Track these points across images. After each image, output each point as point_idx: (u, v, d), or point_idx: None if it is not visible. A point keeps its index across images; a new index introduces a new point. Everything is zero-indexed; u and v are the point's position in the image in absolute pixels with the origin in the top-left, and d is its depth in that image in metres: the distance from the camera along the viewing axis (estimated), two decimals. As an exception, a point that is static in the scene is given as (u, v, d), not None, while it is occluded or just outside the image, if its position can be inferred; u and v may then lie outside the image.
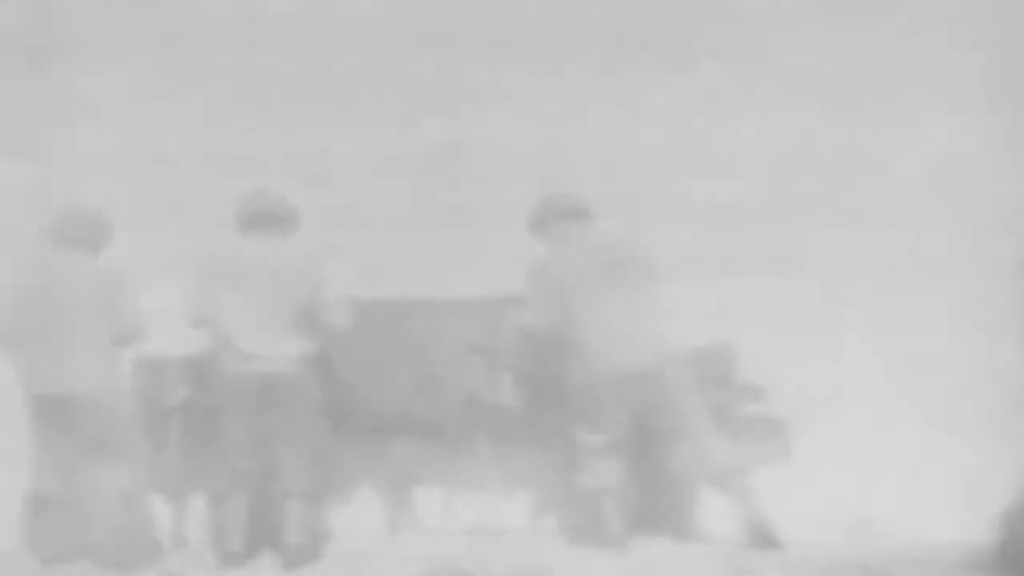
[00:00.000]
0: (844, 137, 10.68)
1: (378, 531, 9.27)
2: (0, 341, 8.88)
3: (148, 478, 8.92)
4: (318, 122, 10.92)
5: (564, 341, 8.86)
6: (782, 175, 10.67)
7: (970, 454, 9.43)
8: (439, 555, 8.68)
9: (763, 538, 8.61)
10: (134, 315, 8.88)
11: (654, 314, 8.80)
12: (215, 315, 8.76)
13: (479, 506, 9.32)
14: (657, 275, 8.86)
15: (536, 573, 8.46)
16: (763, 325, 10.08)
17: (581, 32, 10.92)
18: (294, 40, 11.01)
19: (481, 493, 9.30)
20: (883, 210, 10.31)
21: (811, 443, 9.29)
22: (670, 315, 8.77)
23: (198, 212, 10.54)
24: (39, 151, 10.91)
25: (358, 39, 11.00)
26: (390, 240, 10.80)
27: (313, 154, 10.84)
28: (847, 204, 9.94)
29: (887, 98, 10.72)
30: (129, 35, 11.02)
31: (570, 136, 10.86)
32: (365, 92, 10.94)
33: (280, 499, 8.71)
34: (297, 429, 8.75)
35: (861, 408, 10.02)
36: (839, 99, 10.76)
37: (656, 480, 8.76)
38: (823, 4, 10.87)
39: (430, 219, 10.87)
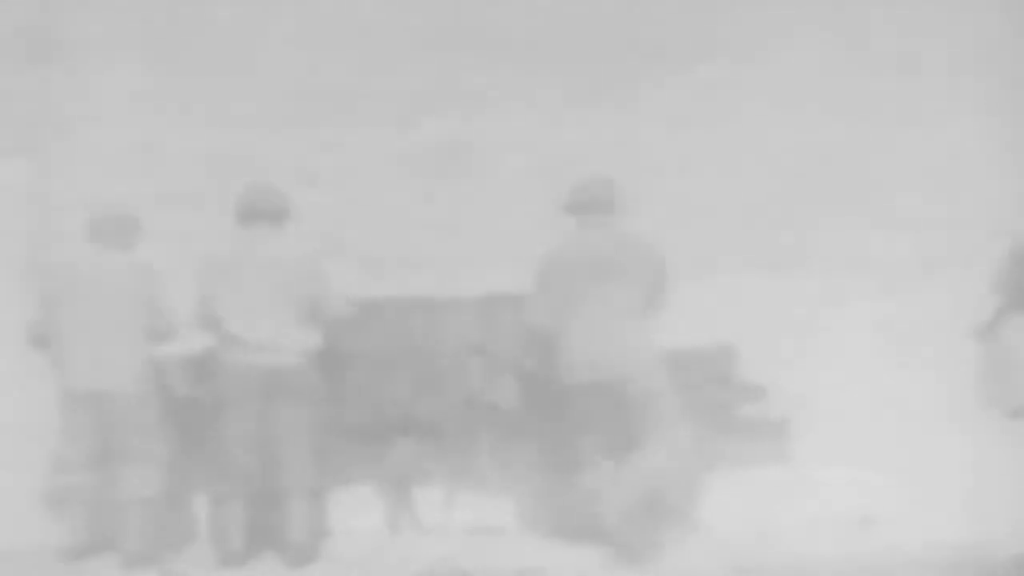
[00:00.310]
0: (844, 136, 10.68)
1: (378, 530, 9.28)
2: (34, 342, 8.99)
3: (169, 475, 8.97)
4: (320, 121, 10.92)
5: (555, 339, 8.87)
6: (782, 174, 10.68)
7: (971, 454, 9.44)
8: (439, 554, 8.69)
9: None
10: (169, 311, 8.98)
11: (640, 317, 8.76)
12: (219, 313, 8.79)
13: (478, 505, 9.33)
14: (666, 281, 8.82)
15: (535, 572, 8.47)
16: (763, 325, 10.07)
17: (583, 32, 10.93)
18: (296, 38, 11.02)
19: (481, 492, 9.32)
20: (884, 209, 10.30)
21: (811, 443, 9.30)
22: (666, 321, 8.75)
23: (199, 211, 10.54)
24: (39, 150, 10.93)
25: (360, 38, 11.01)
26: (390, 239, 10.81)
27: (315, 153, 10.85)
28: (848, 203, 9.94)
29: (887, 98, 10.72)
30: (130, 33, 11.02)
31: (571, 135, 10.86)
32: (367, 91, 10.94)
33: (282, 496, 8.73)
34: (301, 424, 8.77)
35: (861, 408, 10.02)
36: (839, 99, 10.76)
37: (647, 481, 8.76)
38: (823, 3, 10.89)
39: (431, 218, 10.88)
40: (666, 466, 8.62)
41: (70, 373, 8.85)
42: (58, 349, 8.90)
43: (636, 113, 10.85)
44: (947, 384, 9.08)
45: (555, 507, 9.09)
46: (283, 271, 8.83)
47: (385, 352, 9.36)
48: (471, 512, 9.31)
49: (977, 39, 10.55)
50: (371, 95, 10.95)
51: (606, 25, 11.00)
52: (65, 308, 8.90)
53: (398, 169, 10.91)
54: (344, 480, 9.27)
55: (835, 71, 10.82)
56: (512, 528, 9.23)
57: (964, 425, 9.08)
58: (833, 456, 9.49)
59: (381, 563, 8.73)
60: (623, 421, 8.72)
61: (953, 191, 10.26)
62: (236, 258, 8.85)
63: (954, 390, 9.10)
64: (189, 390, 9.19)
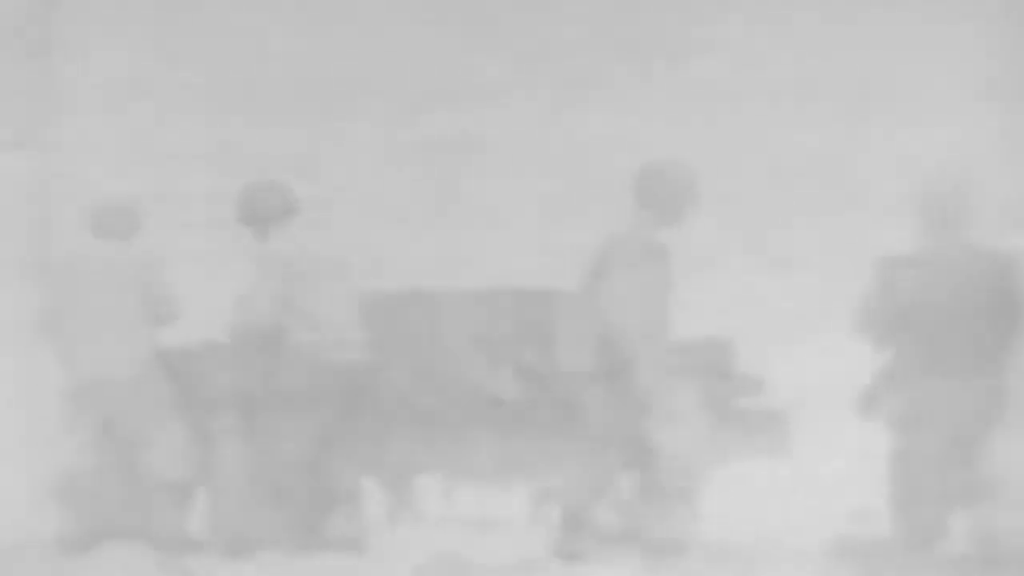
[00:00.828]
0: (844, 131, 10.71)
1: (378, 522, 9.29)
2: (44, 328, 9.03)
3: (186, 466, 8.98)
4: (321, 114, 10.93)
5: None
6: (781, 169, 10.71)
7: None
8: (439, 545, 8.71)
9: None
10: (172, 296, 9.01)
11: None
12: (298, 311, 8.83)
13: (479, 496, 9.35)
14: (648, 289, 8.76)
15: (535, 563, 8.48)
16: (762, 318, 10.10)
17: (583, 27, 10.95)
18: (299, 31, 11.03)
19: (481, 483, 9.33)
20: (884, 203, 10.31)
21: (809, 435, 9.31)
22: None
23: (199, 202, 10.57)
24: (38, 142, 10.93)
25: (361, 31, 11.01)
26: (393, 232, 10.83)
27: (316, 146, 10.86)
28: (847, 197, 9.97)
29: (887, 94, 10.75)
30: (129, 24, 11.03)
31: (572, 130, 10.88)
32: (368, 84, 10.96)
33: (354, 487, 8.76)
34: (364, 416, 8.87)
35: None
36: (838, 95, 10.79)
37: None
38: None
39: (432, 211, 10.90)
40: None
41: (75, 362, 8.90)
42: (63, 339, 8.95)
43: (637, 110, 10.87)
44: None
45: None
46: (341, 267, 8.91)
47: (387, 343, 9.37)
48: (471, 504, 9.32)
49: (977, 33, 10.58)
50: (372, 89, 10.95)
51: (606, 21, 11.02)
52: (69, 299, 8.95)
53: (398, 163, 10.93)
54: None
55: (834, 68, 10.84)
56: (513, 520, 9.25)
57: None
58: (830, 450, 9.51)
59: (381, 555, 8.74)
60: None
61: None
62: (296, 256, 8.89)
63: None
64: (227, 383, 9.17)
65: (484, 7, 10.97)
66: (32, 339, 9.19)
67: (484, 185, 10.87)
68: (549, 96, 10.88)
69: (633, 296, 8.68)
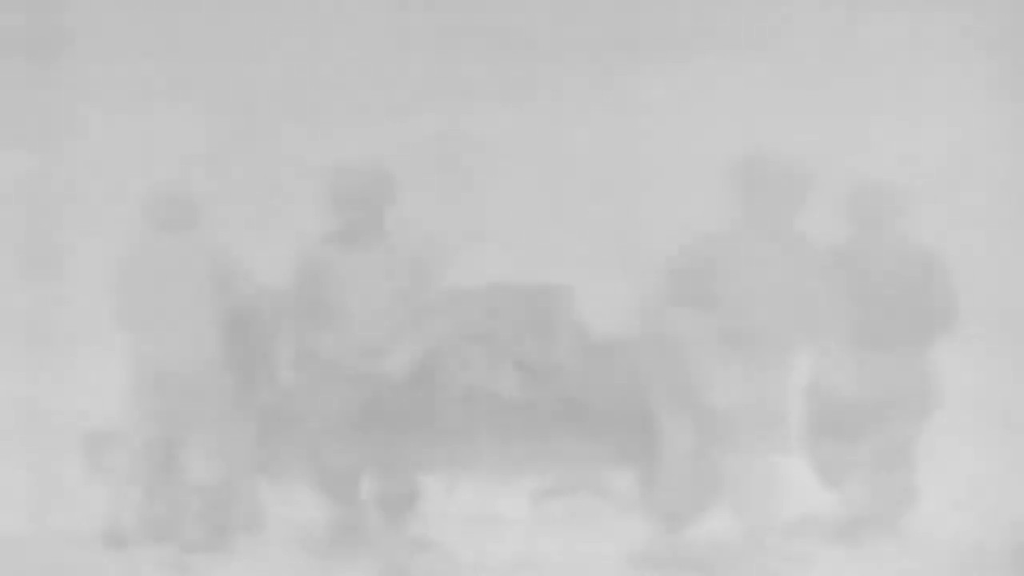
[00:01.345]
0: (844, 130, 10.72)
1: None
2: (120, 322, 8.99)
3: (246, 459, 8.98)
4: (321, 114, 10.96)
5: None
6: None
7: (966, 447, 9.48)
8: (438, 543, 8.71)
9: None
10: (244, 274, 8.95)
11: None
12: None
13: (480, 495, 9.36)
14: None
15: (535, 561, 8.49)
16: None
17: (580, 24, 10.97)
18: (299, 31, 11.05)
19: (482, 482, 9.34)
20: (885, 199, 10.32)
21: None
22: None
23: (200, 203, 10.57)
24: (42, 143, 10.95)
25: (358, 31, 11.04)
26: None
27: (316, 146, 10.88)
28: (849, 192, 9.97)
29: (888, 91, 10.77)
30: (131, 26, 11.05)
31: (569, 127, 10.90)
32: (364, 83, 10.98)
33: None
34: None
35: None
36: (839, 92, 10.80)
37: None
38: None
39: (431, 209, 10.92)
40: None
41: (145, 354, 8.85)
42: (136, 331, 8.90)
43: (637, 110, 10.88)
44: (942, 378, 9.09)
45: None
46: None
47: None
48: (472, 503, 9.33)
49: (978, 27, 10.59)
50: (371, 89, 10.98)
51: (607, 20, 11.04)
52: (134, 293, 8.92)
53: (396, 160, 10.94)
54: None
55: (834, 67, 10.86)
56: (513, 517, 9.26)
57: (967, 422, 9.13)
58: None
59: (381, 551, 8.74)
60: None
61: (956, 181, 10.30)
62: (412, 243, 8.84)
63: (948, 384, 9.12)
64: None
65: (481, 6, 10.98)
66: (32, 338, 9.18)
67: (484, 185, 10.88)
68: (549, 96, 10.89)
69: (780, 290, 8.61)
